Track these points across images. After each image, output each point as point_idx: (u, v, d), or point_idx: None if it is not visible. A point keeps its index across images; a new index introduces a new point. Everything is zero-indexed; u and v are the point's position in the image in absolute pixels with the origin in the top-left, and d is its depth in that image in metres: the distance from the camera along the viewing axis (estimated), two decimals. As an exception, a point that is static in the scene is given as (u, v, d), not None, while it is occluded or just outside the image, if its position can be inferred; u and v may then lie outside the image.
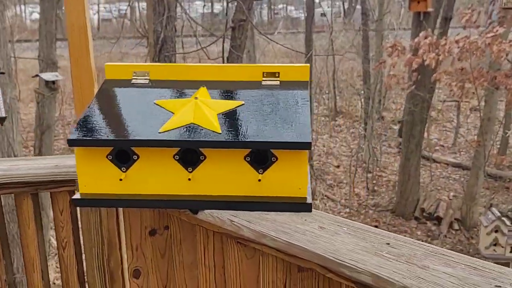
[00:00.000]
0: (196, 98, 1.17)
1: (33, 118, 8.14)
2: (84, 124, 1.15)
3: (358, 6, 13.51)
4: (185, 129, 1.12)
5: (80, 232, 1.52)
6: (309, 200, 1.14)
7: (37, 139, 6.69)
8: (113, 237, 1.48)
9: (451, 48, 6.75)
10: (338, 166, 10.82)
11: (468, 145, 10.10)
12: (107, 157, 1.15)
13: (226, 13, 5.80)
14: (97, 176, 1.16)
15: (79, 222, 1.49)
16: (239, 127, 1.13)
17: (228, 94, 1.24)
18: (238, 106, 1.19)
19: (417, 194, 7.98)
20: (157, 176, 1.15)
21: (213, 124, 1.12)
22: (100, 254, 1.49)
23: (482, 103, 8.18)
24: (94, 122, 1.16)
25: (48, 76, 5.62)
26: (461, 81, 7.07)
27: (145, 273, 1.46)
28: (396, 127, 12.00)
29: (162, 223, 1.39)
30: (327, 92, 15.10)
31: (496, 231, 5.03)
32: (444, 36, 7.38)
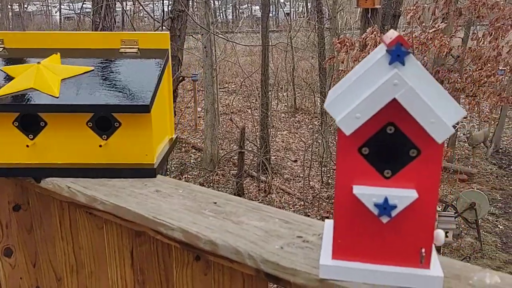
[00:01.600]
0: (38, 62, 1.13)
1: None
2: None
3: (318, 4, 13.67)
4: (22, 94, 1.09)
5: None
6: (155, 166, 1.13)
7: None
8: (-21, 215, 1.42)
9: (396, 43, 6.92)
10: (295, 161, 10.93)
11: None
12: None
13: (163, 3, 5.77)
14: None
15: None
16: (81, 92, 1.11)
17: (80, 60, 1.21)
18: (86, 72, 1.16)
19: (367, 187, 8.13)
20: (-3, 144, 1.11)
21: (52, 88, 1.09)
22: (-34, 234, 1.43)
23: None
24: None
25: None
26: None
27: (15, 251, 1.42)
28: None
29: (25, 198, 1.35)
30: (287, 89, 15.22)
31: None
32: (391, 32, 7.55)
